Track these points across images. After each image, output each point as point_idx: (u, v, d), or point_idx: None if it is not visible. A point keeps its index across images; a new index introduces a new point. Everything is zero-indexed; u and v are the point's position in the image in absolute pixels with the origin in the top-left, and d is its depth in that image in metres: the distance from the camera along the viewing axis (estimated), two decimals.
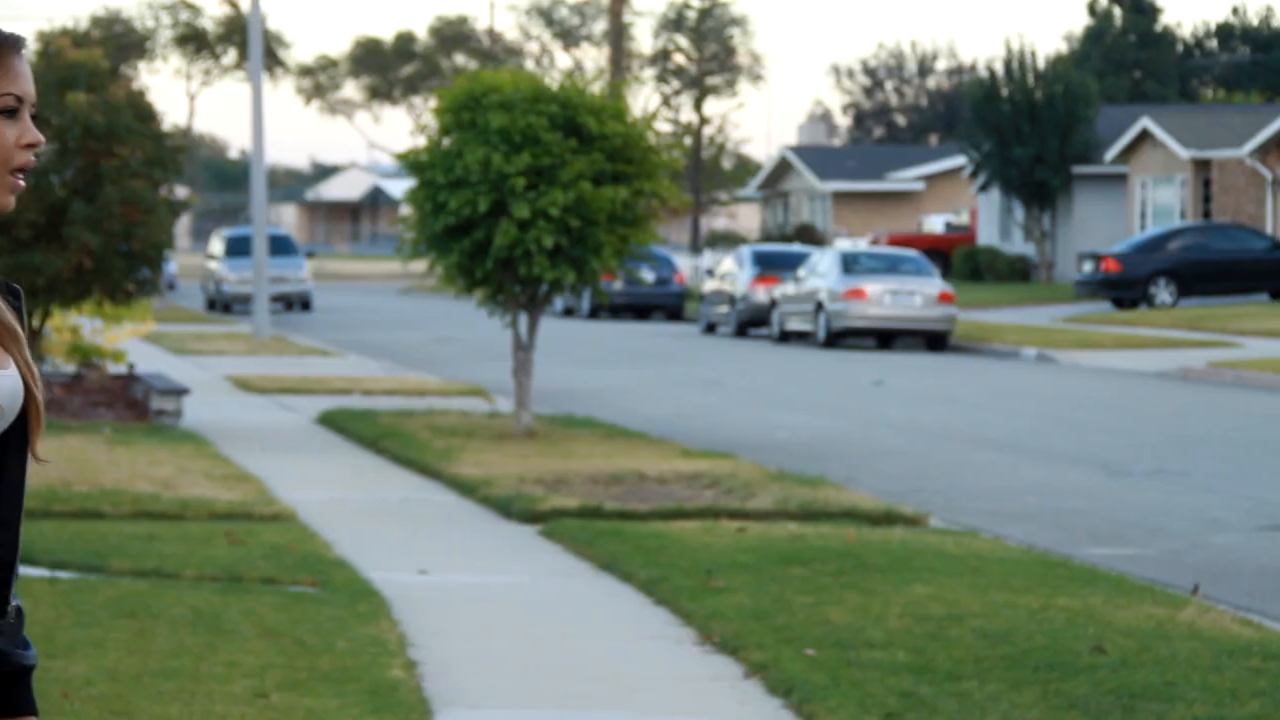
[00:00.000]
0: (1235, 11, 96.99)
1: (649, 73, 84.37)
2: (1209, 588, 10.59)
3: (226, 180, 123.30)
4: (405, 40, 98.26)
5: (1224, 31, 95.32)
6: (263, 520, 12.16)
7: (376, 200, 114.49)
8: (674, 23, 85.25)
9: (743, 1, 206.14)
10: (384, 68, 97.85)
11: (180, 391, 18.42)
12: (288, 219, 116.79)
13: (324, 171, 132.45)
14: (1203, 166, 53.82)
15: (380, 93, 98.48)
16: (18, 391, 2.81)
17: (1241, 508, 14.07)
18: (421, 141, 17.74)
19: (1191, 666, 8.20)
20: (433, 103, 17.93)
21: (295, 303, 47.81)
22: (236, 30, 79.93)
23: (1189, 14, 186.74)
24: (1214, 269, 43.92)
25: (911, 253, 36.83)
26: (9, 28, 2.89)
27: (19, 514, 2.83)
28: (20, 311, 2.87)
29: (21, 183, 2.83)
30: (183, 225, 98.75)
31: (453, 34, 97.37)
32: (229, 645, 8.31)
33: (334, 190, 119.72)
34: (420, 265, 19.37)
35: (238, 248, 47.39)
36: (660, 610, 9.67)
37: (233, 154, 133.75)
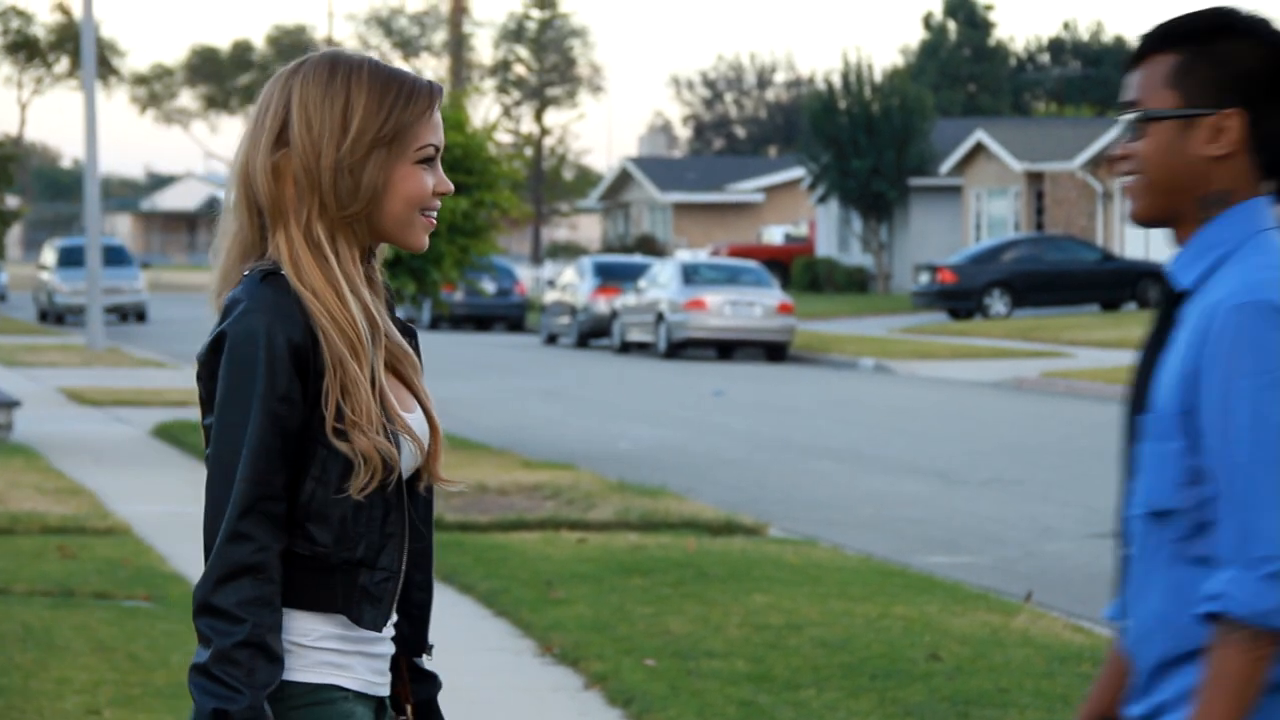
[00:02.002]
0: (1066, 26, 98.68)
1: (489, 83, 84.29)
2: (1042, 595, 10.74)
3: (59, 190, 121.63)
4: (242, 49, 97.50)
5: (1056, 46, 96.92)
6: (96, 534, 12.00)
7: (214, 210, 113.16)
8: (514, 33, 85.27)
9: (583, 13, 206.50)
10: (221, 77, 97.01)
11: (11, 404, 18.13)
12: (122, 229, 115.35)
13: (160, 181, 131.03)
14: (1035, 179, 54.63)
15: (217, 102, 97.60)
16: (425, 429, 3.08)
17: (1074, 515, 14.29)
18: None
19: (1025, 673, 8.31)
20: None
21: (130, 314, 47.24)
22: (69, 38, 78.86)
23: (1022, 29, 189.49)
24: (1047, 280, 44.59)
25: (751, 264, 37.06)
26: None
27: (432, 534, 3.14)
28: (419, 351, 3.13)
29: (435, 222, 3.07)
30: (14, 235, 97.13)
31: (291, 43, 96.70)
32: (61, 661, 8.19)
33: (170, 200, 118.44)
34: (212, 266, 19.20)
35: (71, 258, 46.75)
36: (500, 622, 9.66)
37: (65, 163, 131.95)
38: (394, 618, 3.06)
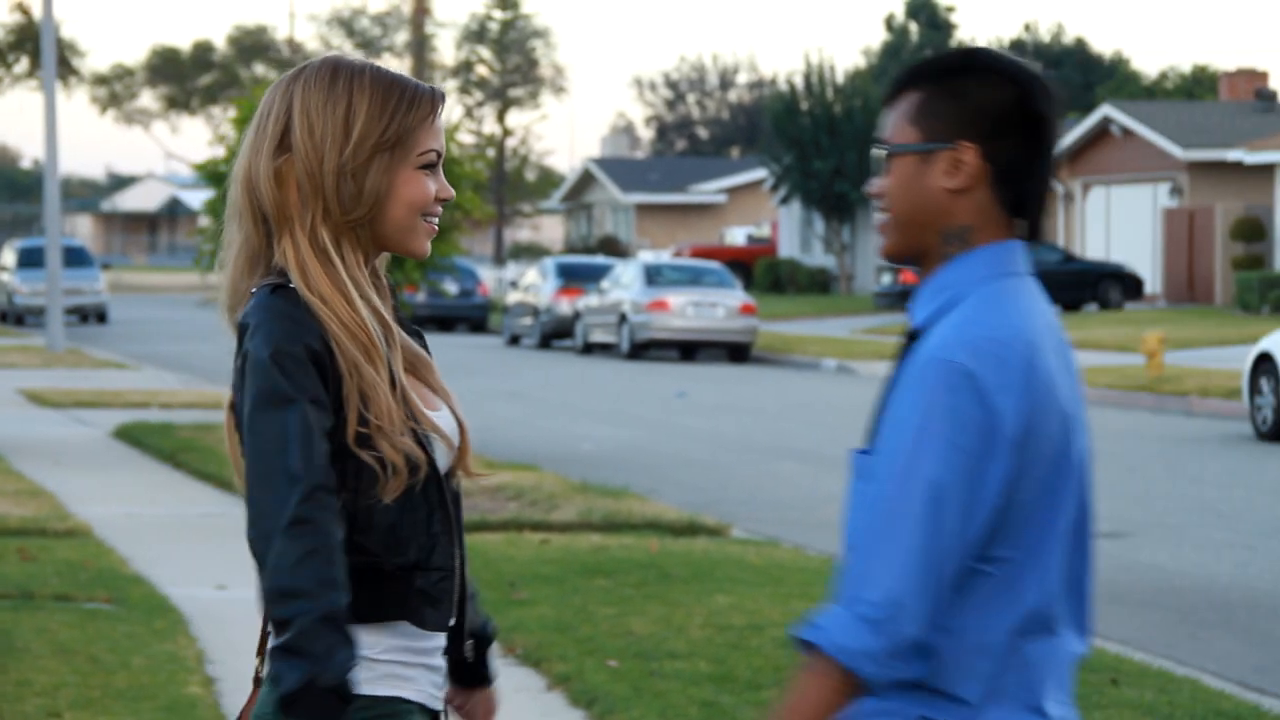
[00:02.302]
0: (1028, 28, 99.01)
1: (451, 84, 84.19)
2: None
3: (19, 190, 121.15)
4: (203, 50, 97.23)
5: (1017, 47, 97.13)
6: (56, 536, 11.95)
7: (175, 211, 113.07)
8: (476, 34, 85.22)
9: (545, 14, 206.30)
10: (181, 77, 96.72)
11: None
12: (83, 230, 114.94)
13: (120, 182, 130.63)
14: None
15: (178, 102, 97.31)
16: (454, 427, 3.13)
17: None
18: (220, 152, 17.56)
19: None
20: (232, 113, 17.75)
21: (91, 315, 47.09)
22: (29, 38, 78.56)
23: (983, 30, 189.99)
24: None
25: (714, 265, 37.08)
26: None
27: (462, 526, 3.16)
28: (429, 351, 3.18)
29: (436, 228, 3.08)
30: None
31: (252, 43, 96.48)
32: (20, 664, 8.16)
33: (131, 201, 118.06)
34: (219, 277, 19.16)
35: (31, 259, 46.56)
36: None
37: (25, 164, 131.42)
38: (452, 617, 3.08)
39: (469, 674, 3.28)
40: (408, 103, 3.03)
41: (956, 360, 2.87)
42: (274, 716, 2.97)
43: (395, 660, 3.02)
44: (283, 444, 2.93)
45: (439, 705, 3.09)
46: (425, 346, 3.17)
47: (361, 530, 2.99)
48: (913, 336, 3.00)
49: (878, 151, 3.04)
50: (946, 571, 2.82)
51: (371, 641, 3.00)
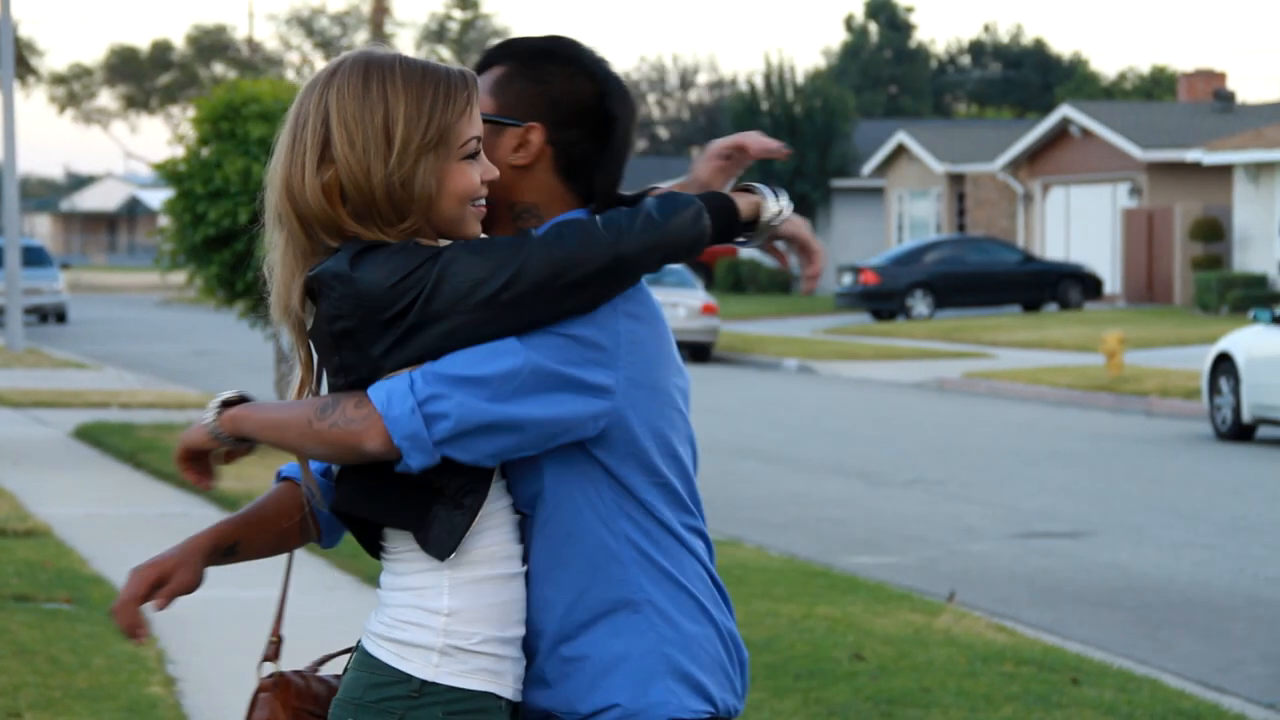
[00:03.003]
0: (987, 29, 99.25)
1: None
2: (965, 595, 10.80)
3: None
4: (162, 49, 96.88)
5: (976, 48, 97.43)
6: (16, 536, 11.89)
7: (134, 211, 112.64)
8: (436, 34, 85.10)
9: (505, 14, 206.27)
10: (140, 77, 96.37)
11: None
12: (42, 230, 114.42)
13: (79, 181, 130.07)
14: (957, 180, 54.91)
15: (137, 102, 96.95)
16: None
17: (996, 516, 14.38)
18: (180, 151, 17.50)
19: (948, 672, 8.35)
20: (191, 112, 17.67)
21: (50, 315, 46.89)
22: None
23: (942, 31, 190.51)
24: (969, 281, 44.83)
25: (675, 265, 37.01)
26: None
27: None
28: None
29: (485, 209, 3.06)
30: None
31: (211, 43, 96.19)
32: None
33: (90, 200, 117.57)
34: (180, 277, 19.12)
35: None
36: None
37: None
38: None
39: None
40: (444, 98, 3.00)
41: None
42: (362, 699, 2.95)
43: (491, 653, 2.99)
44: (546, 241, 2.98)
45: (520, 698, 3.06)
46: None
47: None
48: None
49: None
50: None
51: (470, 632, 2.97)
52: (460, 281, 2.92)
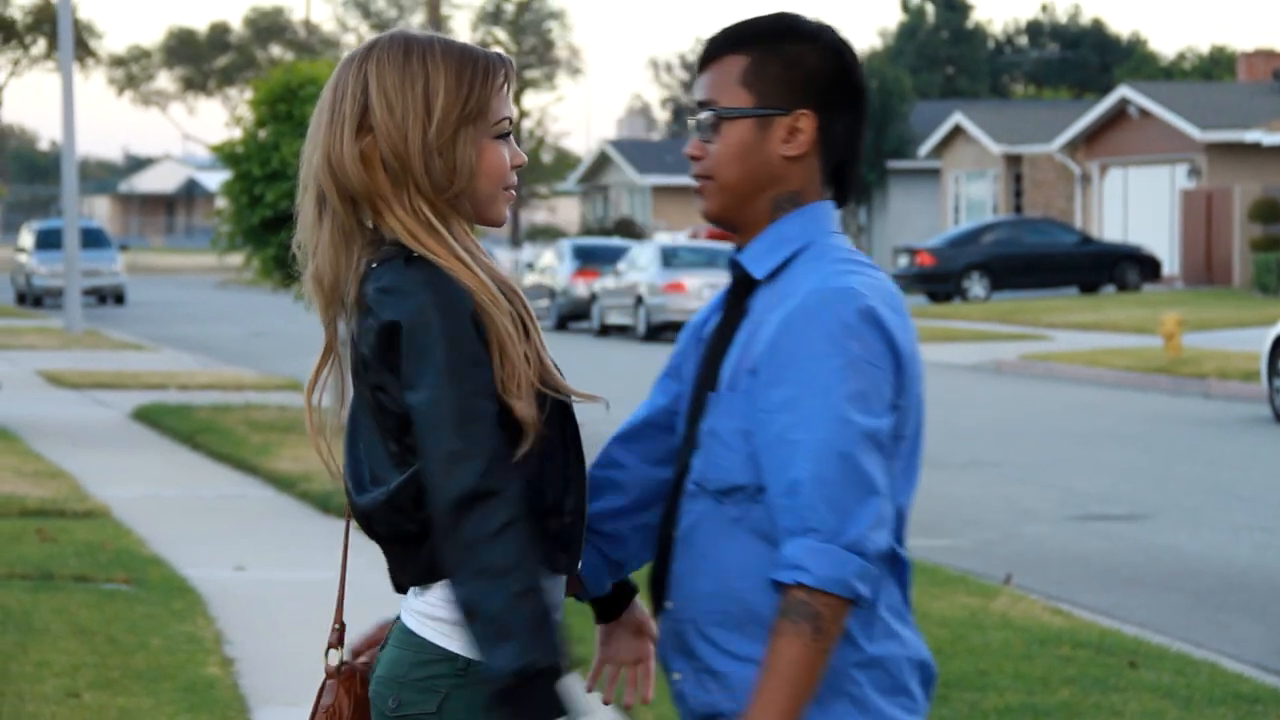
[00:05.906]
0: (1044, 9, 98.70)
1: None
2: (1021, 577, 10.77)
3: (37, 172, 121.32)
4: (220, 31, 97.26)
5: (1034, 28, 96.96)
6: (75, 517, 11.97)
7: (192, 193, 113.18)
8: (492, 15, 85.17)
9: None
10: (198, 59, 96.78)
11: None
12: (100, 211, 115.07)
13: (137, 163, 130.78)
14: (1014, 161, 54.68)
15: (195, 84, 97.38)
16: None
17: (1053, 498, 14.32)
18: (237, 134, 17.56)
19: (1004, 655, 8.33)
20: (248, 94, 17.73)
21: (108, 296, 47.17)
22: (46, 19, 78.61)
23: (1000, 11, 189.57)
24: (1025, 263, 44.65)
25: (730, 247, 37.01)
26: None
27: None
28: None
29: (515, 195, 3.04)
30: None
31: (268, 25, 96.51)
32: (40, 644, 8.18)
33: (148, 182, 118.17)
34: (237, 259, 19.18)
35: (48, 240, 46.64)
36: None
37: (43, 145, 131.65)
38: (580, 561, 3.05)
39: (611, 604, 3.23)
40: (482, 73, 2.99)
41: (849, 286, 2.90)
42: (407, 676, 2.95)
43: None
44: (475, 408, 2.90)
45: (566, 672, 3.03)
46: None
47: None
48: (749, 288, 3.03)
49: (701, 115, 3.02)
50: (886, 484, 2.91)
51: None
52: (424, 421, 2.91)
